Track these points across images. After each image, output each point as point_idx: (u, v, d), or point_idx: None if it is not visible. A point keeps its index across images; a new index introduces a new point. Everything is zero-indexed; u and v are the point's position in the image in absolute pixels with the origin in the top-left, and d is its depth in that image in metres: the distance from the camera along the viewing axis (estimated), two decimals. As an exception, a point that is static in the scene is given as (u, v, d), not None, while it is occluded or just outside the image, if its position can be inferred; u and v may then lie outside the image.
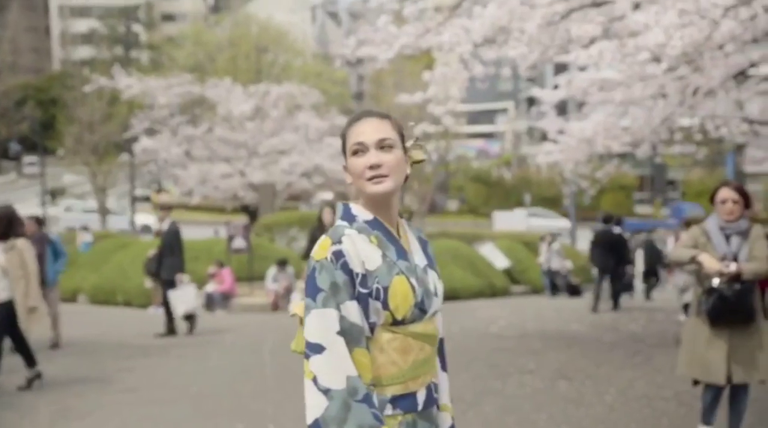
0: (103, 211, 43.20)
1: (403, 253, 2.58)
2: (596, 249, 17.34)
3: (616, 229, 17.56)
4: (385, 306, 2.49)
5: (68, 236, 26.83)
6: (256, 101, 31.51)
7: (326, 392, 2.39)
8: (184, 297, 13.33)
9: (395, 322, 2.52)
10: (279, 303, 18.21)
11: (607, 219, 17.63)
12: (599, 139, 15.38)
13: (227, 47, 58.77)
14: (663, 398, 8.03)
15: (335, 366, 2.41)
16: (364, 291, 2.48)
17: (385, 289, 2.49)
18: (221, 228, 26.48)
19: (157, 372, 9.97)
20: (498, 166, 64.67)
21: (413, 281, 2.54)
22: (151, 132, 31.95)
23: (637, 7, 9.49)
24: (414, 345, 2.54)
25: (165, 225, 13.25)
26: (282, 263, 18.62)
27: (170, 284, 13.16)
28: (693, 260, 5.70)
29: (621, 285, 17.75)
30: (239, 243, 20.14)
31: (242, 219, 29.79)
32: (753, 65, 11.94)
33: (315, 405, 2.40)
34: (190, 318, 13.53)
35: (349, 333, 2.45)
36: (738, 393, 5.94)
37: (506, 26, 10.72)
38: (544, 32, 10.54)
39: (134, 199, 38.54)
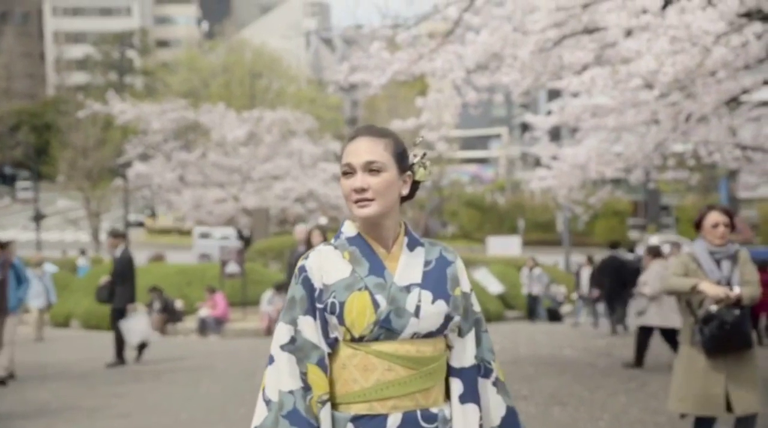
0: (96, 237, 43.10)
1: (378, 270, 2.53)
2: (602, 275, 17.49)
3: (628, 255, 17.73)
4: (341, 321, 2.48)
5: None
6: (249, 127, 31.59)
7: (268, 403, 2.51)
8: (136, 327, 12.83)
9: (354, 339, 2.49)
10: (272, 327, 18.11)
11: (614, 246, 17.77)
12: (592, 165, 15.42)
13: (221, 73, 59.05)
14: (657, 424, 7.99)
15: (275, 379, 2.51)
16: (320, 306, 2.51)
17: (342, 304, 2.48)
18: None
19: (148, 398, 9.91)
20: (492, 191, 64.80)
21: (378, 298, 2.48)
22: (144, 157, 32.00)
23: (629, 34, 9.54)
24: (377, 365, 2.47)
25: (117, 253, 12.87)
26: (280, 287, 18.51)
27: (121, 313, 12.71)
28: (694, 290, 5.43)
29: (623, 311, 17.83)
30: (233, 268, 20.08)
31: (236, 244, 29.75)
32: (745, 92, 12.00)
33: (258, 414, 2.52)
34: (140, 345, 13.12)
35: (301, 349, 2.50)
36: (747, 425, 5.61)
37: (499, 53, 10.77)
38: (537, 59, 10.59)
39: (128, 225, 38.41)
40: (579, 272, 22.35)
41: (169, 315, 19.52)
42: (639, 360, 12.18)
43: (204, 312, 18.77)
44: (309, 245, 11.72)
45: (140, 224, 59.59)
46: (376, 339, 2.47)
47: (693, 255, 5.66)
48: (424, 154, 2.66)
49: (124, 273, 12.72)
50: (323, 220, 34.94)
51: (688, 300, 5.62)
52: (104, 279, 13.22)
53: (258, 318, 19.01)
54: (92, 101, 30.01)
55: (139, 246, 42.35)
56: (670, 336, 12.34)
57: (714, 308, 5.42)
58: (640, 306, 12.79)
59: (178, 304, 19.85)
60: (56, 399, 9.83)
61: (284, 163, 31.65)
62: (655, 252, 13.24)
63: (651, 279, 12.71)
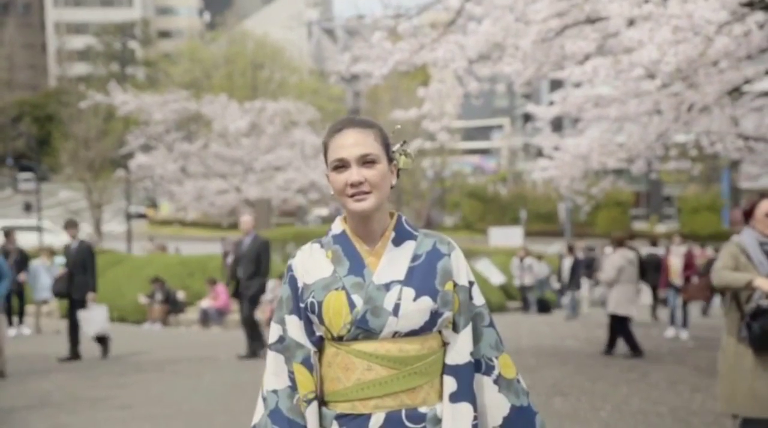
0: (98, 228, 43.11)
1: (358, 269, 2.47)
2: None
3: (648, 249, 17.70)
4: (321, 320, 2.45)
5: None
6: (251, 117, 31.51)
7: (264, 400, 2.54)
8: (94, 318, 12.53)
9: (334, 338, 2.46)
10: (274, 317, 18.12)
11: (630, 238, 17.92)
12: (594, 155, 15.41)
13: (223, 64, 58.92)
14: (658, 414, 8.00)
15: (265, 378, 2.54)
16: (302, 305, 2.50)
17: (320, 304, 2.45)
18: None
19: (150, 389, 9.92)
20: (494, 181, 64.83)
21: (355, 298, 2.42)
22: (146, 148, 31.93)
23: (631, 23, 9.51)
24: (357, 364, 2.41)
25: (75, 244, 12.55)
26: (280, 277, 18.54)
27: (81, 304, 12.44)
28: (749, 286, 5.12)
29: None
30: (234, 259, 20.07)
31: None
32: (747, 81, 11.97)
33: (258, 411, 2.55)
34: (102, 340, 12.80)
35: (287, 349, 2.51)
36: None
37: (501, 42, 10.74)
38: (539, 48, 10.56)
39: (129, 216, 38.43)
40: (561, 262, 22.42)
41: (171, 306, 19.57)
42: (633, 348, 12.20)
43: (206, 303, 18.79)
44: None
45: (142, 215, 59.67)
46: (355, 338, 2.42)
47: (742, 245, 5.37)
48: (404, 142, 2.60)
49: (84, 263, 12.41)
50: (324, 212, 34.91)
51: (735, 294, 5.35)
52: (60, 271, 12.90)
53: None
54: (94, 92, 29.93)
55: (140, 237, 42.41)
56: (620, 323, 12.44)
57: (765, 302, 5.15)
58: (602, 295, 12.82)
59: (180, 295, 19.88)
60: (58, 390, 9.85)
61: (286, 154, 31.59)
62: (618, 242, 13.26)
63: (608, 266, 12.77)
